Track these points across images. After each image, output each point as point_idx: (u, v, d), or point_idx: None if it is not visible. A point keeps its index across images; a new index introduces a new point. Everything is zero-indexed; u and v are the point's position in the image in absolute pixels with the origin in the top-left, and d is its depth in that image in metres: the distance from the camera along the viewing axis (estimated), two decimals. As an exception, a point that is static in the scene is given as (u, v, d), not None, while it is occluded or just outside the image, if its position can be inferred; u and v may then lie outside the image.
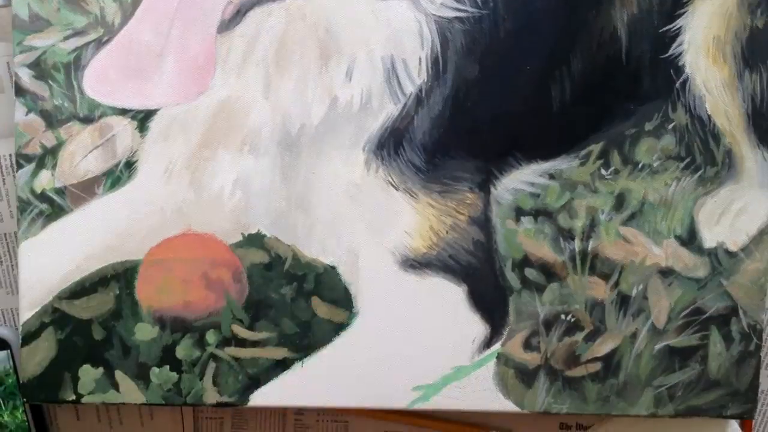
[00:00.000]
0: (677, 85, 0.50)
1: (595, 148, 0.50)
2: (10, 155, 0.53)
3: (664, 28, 0.50)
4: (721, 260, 0.51)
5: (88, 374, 0.51)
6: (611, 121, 0.50)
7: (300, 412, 0.56)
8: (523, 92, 0.50)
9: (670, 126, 0.50)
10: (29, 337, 0.51)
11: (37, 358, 0.51)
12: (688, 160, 0.51)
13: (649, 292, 0.51)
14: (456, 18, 0.49)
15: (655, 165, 0.51)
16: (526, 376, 0.51)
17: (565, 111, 0.50)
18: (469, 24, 0.49)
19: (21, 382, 0.51)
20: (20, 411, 0.54)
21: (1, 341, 0.53)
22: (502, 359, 0.51)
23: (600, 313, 0.51)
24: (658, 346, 0.51)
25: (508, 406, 0.52)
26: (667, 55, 0.50)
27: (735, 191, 0.51)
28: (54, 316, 0.51)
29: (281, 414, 0.57)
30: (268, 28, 0.49)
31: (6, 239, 0.53)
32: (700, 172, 0.51)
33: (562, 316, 0.51)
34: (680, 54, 0.50)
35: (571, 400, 0.52)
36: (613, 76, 0.50)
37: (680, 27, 0.50)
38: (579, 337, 0.51)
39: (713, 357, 0.52)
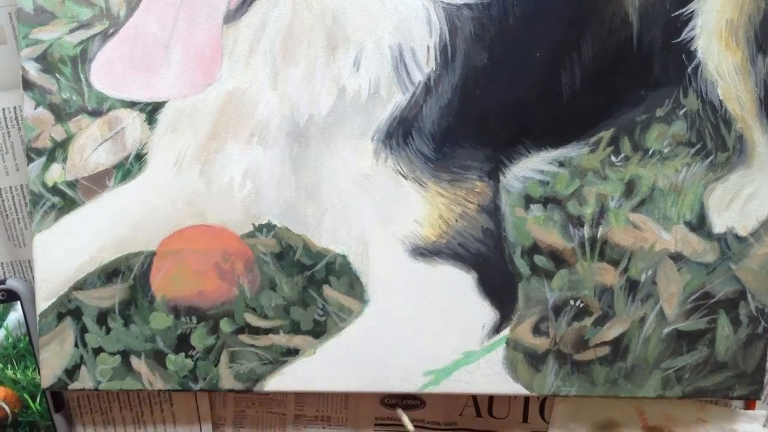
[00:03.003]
0: (689, 70, 0.49)
1: (606, 134, 0.50)
2: (14, 108, 0.52)
3: (676, 13, 0.49)
4: (730, 245, 0.51)
5: (106, 362, 0.52)
6: (622, 108, 0.50)
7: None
8: (532, 79, 0.49)
9: (681, 112, 0.50)
10: (47, 326, 0.52)
11: (55, 346, 0.52)
12: (698, 145, 0.50)
13: (658, 278, 0.51)
14: (464, 5, 0.49)
15: (665, 151, 0.50)
16: (535, 360, 0.52)
17: (575, 98, 0.50)
18: (477, 11, 0.49)
19: (40, 370, 0.52)
20: (31, 370, 0.55)
21: (11, 293, 0.54)
22: (512, 344, 0.52)
23: (609, 298, 0.52)
24: (666, 330, 0.52)
25: (517, 389, 0.52)
26: (679, 40, 0.49)
27: (745, 176, 0.51)
28: (70, 306, 0.51)
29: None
30: (274, 18, 0.49)
31: (12, 192, 0.54)
32: (710, 158, 0.50)
33: (571, 302, 0.52)
34: (692, 39, 0.49)
35: (579, 383, 0.52)
36: (624, 62, 0.49)
37: (693, 11, 0.49)
38: (588, 321, 0.52)
39: (721, 340, 0.52)
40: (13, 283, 0.54)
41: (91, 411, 0.57)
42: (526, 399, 0.58)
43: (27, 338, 0.55)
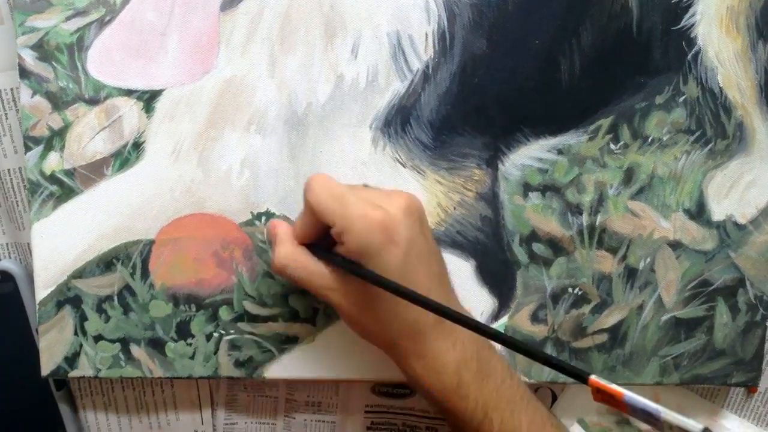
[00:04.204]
0: (689, 57, 0.49)
1: (605, 122, 0.50)
2: (12, 89, 0.52)
3: (677, -1, 0.49)
4: (729, 233, 0.51)
5: (106, 349, 0.52)
6: (621, 95, 0.50)
7: (290, 414, 0.58)
8: (531, 67, 0.49)
9: (681, 99, 0.50)
10: (46, 314, 0.52)
11: (54, 334, 0.52)
12: (698, 133, 0.50)
13: (657, 265, 0.51)
14: (463, -9, 0.48)
15: (664, 139, 0.50)
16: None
17: (574, 85, 0.49)
18: (476, -2, 0.48)
19: (41, 359, 0.52)
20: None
21: (5, 274, 0.54)
22: (510, 332, 0.52)
23: (607, 286, 0.52)
24: (664, 318, 0.52)
25: (515, 376, 0.53)
26: (679, 26, 0.49)
27: (745, 164, 0.50)
28: (69, 295, 0.52)
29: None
30: (271, 5, 0.49)
31: (10, 174, 0.54)
32: (710, 146, 0.50)
33: (570, 290, 0.52)
34: (692, 25, 0.49)
35: (577, 370, 0.53)
36: (624, 49, 0.49)
37: (693, -3, 0.48)
38: (586, 309, 0.52)
39: (719, 327, 0.52)
40: (7, 264, 0.54)
41: (92, 393, 0.57)
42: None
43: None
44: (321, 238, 0.44)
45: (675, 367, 0.53)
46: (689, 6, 0.49)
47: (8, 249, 0.55)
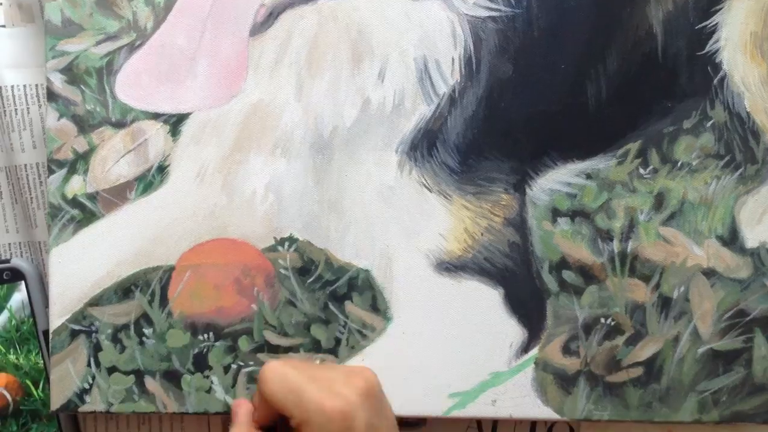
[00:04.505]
0: (715, 82, 0.49)
1: (633, 146, 0.49)
2: (36, 85, 0.52)
3: (700, 25, 0.49)
4: (763, 260, 0.50)
5: (119, 382, 0.50)
6: (648, 120, 0.49)
7: None
8: (558, 91, 0.49)
9: (709, 124, 0.49)
10: (59, 344, 0.50)
11: (67, 365, 0.50)
12: (727, 158, 0.50)
13: (691, 294, 0.50)
14: (489, 17, 0.49)
15: (694, 163, 0.50)
16: (566, 382, 0.50)
17: (601, 110, 0.49)
18: (502, 23, 0.49)
19: (51, 392, 0.50)
20: (34, 354, 0.53)
21: (16, 272, 0.52)
22: (541, 364, 0.50)
23: (641, 316, 0.50)
24: (701, 350, 0.50)
25: (547, 413, 0.50)
26: (703, 52, 0.49)
27: (777, 189, 0.50)
28: (85, 324, 0.50)
29: None
30: (300, 31, 0.49)
31: (27, 170, 0.53)
32: (740, 170, 0.50)
33: (602, 320, 0.50)
34: (717, 51, 0.49)
35: (612, 406, 0.50)
36: (650, 73, 0.49)
37: (716, 23, 0.49)
38: (619, 341, 0.50)
39: (758, 360, 0.50)
40: (18, 263, 0.52)
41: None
42: (533, 423, 0.55)
43: (31, 321, 0.53)
44: (280, 421, 0.45)
45: (714, 403, 0.50)
46: (713, 32, 0.49)
47: (22, 248, 0.54)
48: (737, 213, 0.50)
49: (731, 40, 0.49)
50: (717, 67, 0.49)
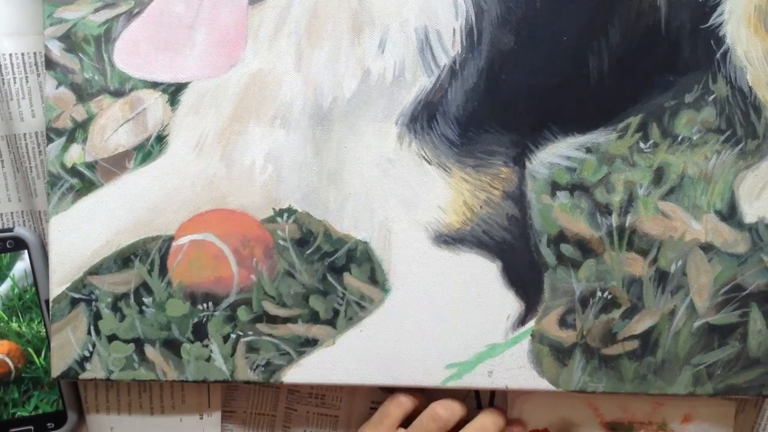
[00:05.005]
0: (718, 56, 0.49)
1: (634, 120, 0.49)
2: (34, 53, 0.52)
3: (705, -2, 0.49)
4: (761, 235, 0.50)
5: (119, 350, 0.51)
6: (650, 93, 0.49)
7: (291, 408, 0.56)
8: (559, 64, 0.49)
9: (711, 98, 0.49)
10: (59, 312, 0.50)
11: (67, 333, 0.50)
12: (728, 132, 0.49)
13: (689, 269, 0.50)
14: (491, -12, 0.48)
15: (694, 138, 0.49)
16: (562, 354, 0.51)
17: (602, 83, 0.49)
18: (504, -6, 0.48)
19: (51, 359, 0.51)
20: (36, 323, 0.53)
21: (19, 240, 0.53)
22: (537, 336, 0.50)
23: (637, 289, 0.50)
24: (696, 324, 0.50)
25: (542, 384, 0.51)
26: (707, 25, 0.49)
27: (777, 165, 0.50)
28: (84, 292, 0.50)
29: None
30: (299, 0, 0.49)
31: (26, 139, 0.53)
32: (740, 145, 0.49)
33: (599, 293, 0.50)
34: (720, 24, 0.49)
35: (607, 378, 0.51)
36: (652, 46, 0.49)
37: (721, -4, 0.49)
38: (616, 314, 0.50)
39: (753, 335, 0.50)
40: (21, 231, 0.52)
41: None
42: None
43: (33, 289, 0.53)
44: None
45: (708, 376, 0.51)
46: (717, 5, 0.49)
47: (23, 217, 0.54)
48: (736, 188, 0.50)
49: (735, 13, 0.49)
50: (720, 40, 0.49)
